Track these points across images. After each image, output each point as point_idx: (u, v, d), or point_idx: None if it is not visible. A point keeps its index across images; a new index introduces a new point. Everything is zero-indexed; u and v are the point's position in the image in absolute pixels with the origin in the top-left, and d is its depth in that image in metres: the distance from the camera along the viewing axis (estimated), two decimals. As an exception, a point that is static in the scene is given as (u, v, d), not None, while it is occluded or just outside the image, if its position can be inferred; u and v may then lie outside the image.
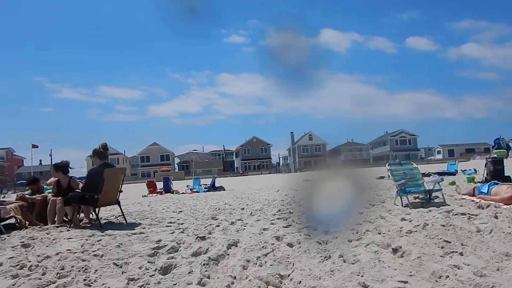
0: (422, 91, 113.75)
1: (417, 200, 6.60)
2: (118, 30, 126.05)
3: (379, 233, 4.21)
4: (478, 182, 12.46)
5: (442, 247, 3.52)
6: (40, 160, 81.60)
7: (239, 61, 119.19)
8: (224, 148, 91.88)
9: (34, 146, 64.64)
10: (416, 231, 4.14)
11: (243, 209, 7.12)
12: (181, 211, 7.42)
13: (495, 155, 13.33)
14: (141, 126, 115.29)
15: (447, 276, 2.81)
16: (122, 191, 6.17)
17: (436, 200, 6.31)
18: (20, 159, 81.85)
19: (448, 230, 4.05)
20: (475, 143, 75.06)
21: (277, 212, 6.53)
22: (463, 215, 4.88)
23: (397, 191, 6.24)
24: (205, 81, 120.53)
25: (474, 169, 20.66)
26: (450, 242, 3.63)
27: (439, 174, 20.17)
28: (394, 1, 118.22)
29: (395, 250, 3.50)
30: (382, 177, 20.02)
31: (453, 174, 19.84)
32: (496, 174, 12.08)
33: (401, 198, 6.26)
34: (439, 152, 76.92)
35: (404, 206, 6.05)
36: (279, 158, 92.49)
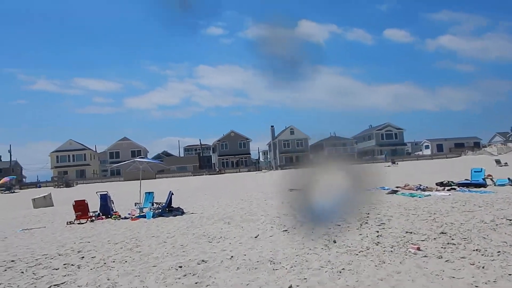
0: (399, 83, 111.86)
1: None
2: (94, 21, 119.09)
3: None
4: None
5: None
6: (0, 156, 75.29)
7: (218, 53, 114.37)
8: (200, 143, 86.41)
9: (-12, 142, 57.91)
10: None
11: None
12: None
13: None
14: (118, 118, 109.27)
15: None
16: None
17: None
18: (-20, 156, 74.53)
19: None
20: (464, 137, 71.92)
21: None
22: None
23: None
24: (184, 73, 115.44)
25: (509, 178, 16.18)
26: None
27: (465, 185, 15.66)
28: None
29: None
30: (395, 192, 15.24)
31: (483, 185, 15.34)
32: None
33: None
34: (427, 147, 73.64)
35: None
36: (259, 153, 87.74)
